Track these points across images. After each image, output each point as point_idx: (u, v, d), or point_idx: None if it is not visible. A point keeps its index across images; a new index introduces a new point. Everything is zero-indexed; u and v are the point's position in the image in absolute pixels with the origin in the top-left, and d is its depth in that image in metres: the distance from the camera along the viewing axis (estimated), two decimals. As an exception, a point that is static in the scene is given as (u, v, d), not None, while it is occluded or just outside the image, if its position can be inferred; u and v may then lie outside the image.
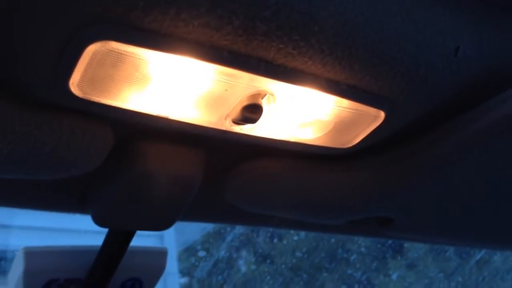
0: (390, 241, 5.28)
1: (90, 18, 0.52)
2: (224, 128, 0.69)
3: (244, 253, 5.04)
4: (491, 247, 1.93)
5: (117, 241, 1.03)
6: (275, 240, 5.12)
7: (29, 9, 0.52)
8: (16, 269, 1.00)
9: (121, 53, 0.56)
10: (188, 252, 4.89)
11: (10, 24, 0.54)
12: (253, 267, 5.10)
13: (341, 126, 0.74)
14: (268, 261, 5.14)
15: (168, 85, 0.62)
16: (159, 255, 1.14)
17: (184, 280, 4.91)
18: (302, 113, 0.71)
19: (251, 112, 0.66)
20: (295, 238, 5.07)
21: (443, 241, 1.74)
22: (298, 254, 5.20)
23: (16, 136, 0.64)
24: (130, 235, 1.03)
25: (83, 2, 0.51)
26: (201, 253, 4.89)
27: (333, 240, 5.20)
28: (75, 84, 0.58)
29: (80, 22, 0.52)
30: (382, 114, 0.73)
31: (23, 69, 0.59)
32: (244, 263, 5.08)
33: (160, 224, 0.92)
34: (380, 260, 5.50)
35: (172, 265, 4.67)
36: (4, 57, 0.58)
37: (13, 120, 0.63)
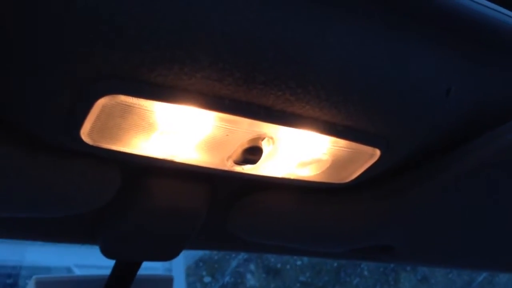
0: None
1: (99, 76, 0.56)
2: (226, 169, 0.72)
3: (248, 275, 5.03)
4: (492, 270, 1.94)
5: (125, 272, 1.05)
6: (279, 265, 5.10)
7: (43, 68, 0.56)
8: (27, 298, 1.02)
9: (129, 105, 0.60)
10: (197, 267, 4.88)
11: (28, 78, 0.58)
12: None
13: (339, 164, 0.77)
14: (277, 276, 5.13)
15: (173, 132, 0.65)
16: (165, 283, 1.15)
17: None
18: (300, 153, 0.74)
19: (252, 154, 0.69)
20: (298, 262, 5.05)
21: (444, 266, 1.75)
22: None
23: (29, 179, 0.67)
24: (137, 266, 1.06)
25: (93, 62, 0.55)
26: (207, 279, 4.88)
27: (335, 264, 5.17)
28: (86, 133, 0.62)
29: (90, 79, 0.56)
30: (377, 152, 0.76)
31: (37, 119, 0.62)
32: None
33: (166, 254, 0.94)
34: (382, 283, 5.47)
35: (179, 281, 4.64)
36: (19, 107, 0.62)
37: (27, 164, 0.66)
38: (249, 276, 4.99)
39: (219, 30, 0.56)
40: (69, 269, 3.93)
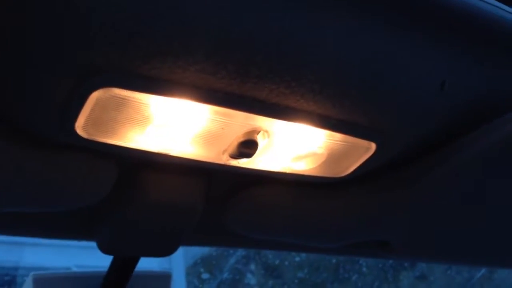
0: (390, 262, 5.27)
1: (94, 69, 0.56)
2: (221, 162, 0.73)
3: (248, 275, 5.04)
4: (489, 266, 1.94)
5: (122, 267, 1.06)
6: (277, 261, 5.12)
7: (39, 64, 0.56)
8: (25, 295, 1.02)
9: (123, 98, 0.60)
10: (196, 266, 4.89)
11: (23, 74, 0.58)
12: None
13: (334, 157, 0.77)
14: (275, 273, 5.15)
15: (168, 125, 0.65)
16: (164, 279, 1.15)
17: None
18: (296, 147, 0.74)
19: (247, 147, 0.70)
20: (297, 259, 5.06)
21: (441, 261, 1.75)
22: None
23: (24, 174, 0.67)
24: (135, 261, 1.06)
25: (87, 56, 0.55)
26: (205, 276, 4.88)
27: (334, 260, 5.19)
28: (81, 127, 0.62)
29: (85, 72, 0.56)
30: (373, 146, 0.76)
31: (33, 114, 0.63)
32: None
33: (163, 250, 0.94)
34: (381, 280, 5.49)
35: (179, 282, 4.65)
36: (13, 102, 0.62)
37: (22, 159, 0.66)
38: (247, 273, 5.00)
39: (214, 24, 0.56)
40: (68, 270, 3.94)
